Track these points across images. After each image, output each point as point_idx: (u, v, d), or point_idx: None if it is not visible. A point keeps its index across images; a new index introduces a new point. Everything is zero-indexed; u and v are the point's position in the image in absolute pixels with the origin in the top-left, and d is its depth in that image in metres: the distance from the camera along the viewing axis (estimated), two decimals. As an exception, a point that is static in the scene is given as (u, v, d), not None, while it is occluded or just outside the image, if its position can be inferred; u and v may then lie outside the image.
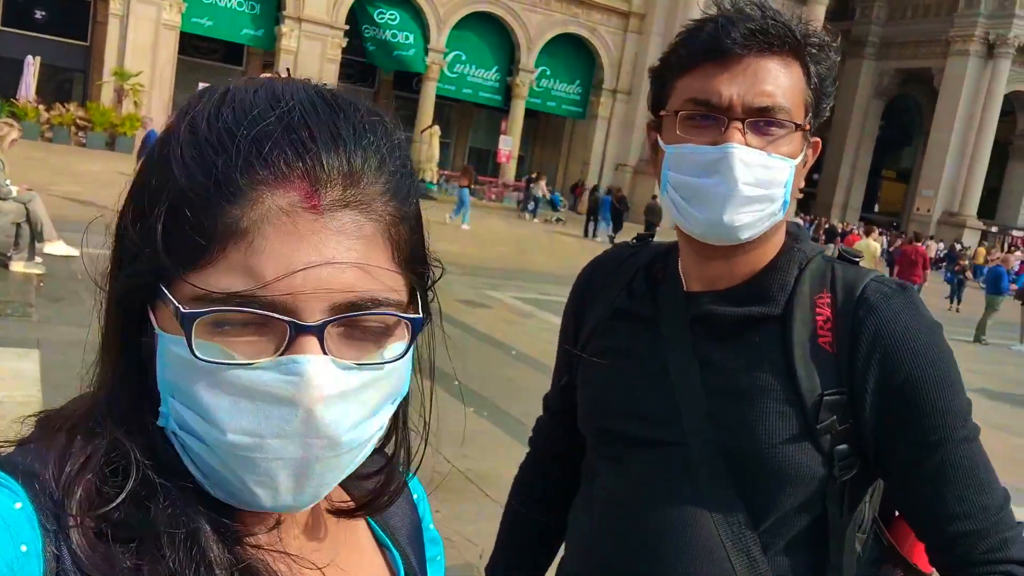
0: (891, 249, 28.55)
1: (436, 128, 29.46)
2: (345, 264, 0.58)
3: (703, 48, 1.17)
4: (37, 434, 0.63)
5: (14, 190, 8.33)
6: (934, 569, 1.25)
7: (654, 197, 28.54)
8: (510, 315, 10.85)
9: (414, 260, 0.65)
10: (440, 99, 33.26)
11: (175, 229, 0.57)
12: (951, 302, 22.21)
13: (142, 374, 0.62)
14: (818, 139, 1.26)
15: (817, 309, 1.19)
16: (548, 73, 35.30)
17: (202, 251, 0.57)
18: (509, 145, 33.68)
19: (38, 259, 8.47)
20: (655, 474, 1.22)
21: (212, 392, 0.57)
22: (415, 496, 0.85)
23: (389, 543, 0.78)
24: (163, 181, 0.59)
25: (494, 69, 34.67)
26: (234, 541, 0.61)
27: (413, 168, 0.65)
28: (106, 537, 0.56)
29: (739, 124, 1.15)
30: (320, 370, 0.57)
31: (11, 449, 0.62)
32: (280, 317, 0.57)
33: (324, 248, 0.57)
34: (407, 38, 32.31)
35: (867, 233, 19.78)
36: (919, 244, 19.32)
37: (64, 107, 25.43)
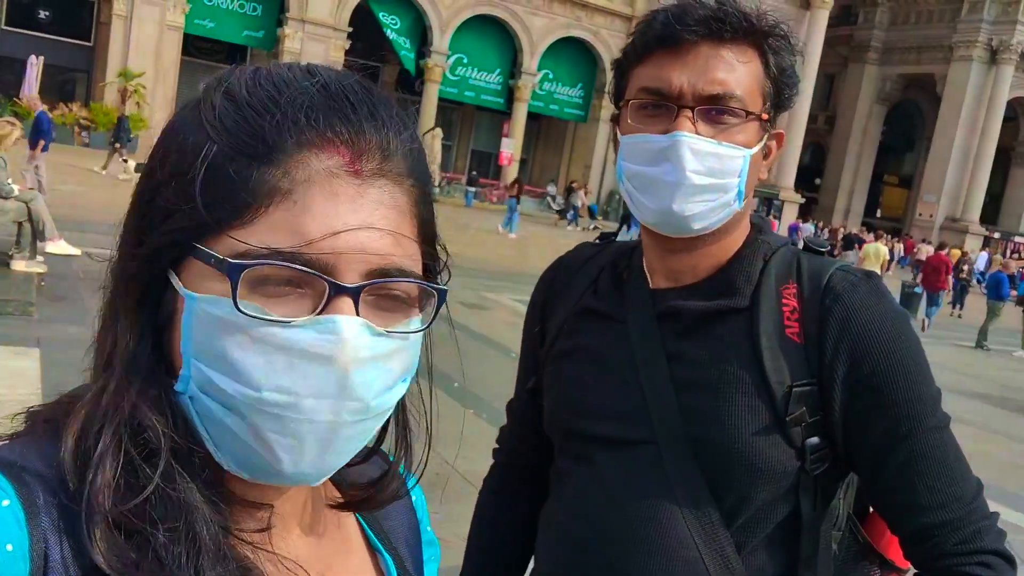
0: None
1: (438, 130, 29.47)
2: (382, 231, 0.60)
3: (656, 36, 1.16)
4: (27, 429, 0.62)
5: (16, 189, 8.35)
6: (910, 564, 1.23)
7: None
8: (509, 317, 10.84)
9: (429, 242, 0.67)
10: (442, 101, 33.29)
11: (215, 187, 0.58)
12: (953, 308, 22.23)
13: (157, 343, 0.62)
14: (781, 131, 1.24)
15: (783, 300, 1.18)
16: (551, 76, 35.34)
17: (246, 208, 0.58)
18: (511, 148, 33.69)
19: (40, 258, 8.46)
20: (625, 474, 1.20)
21: (245, 350, 0.57)
22: (413, 498, 0.84)
23: (381, 547, 0.77)
24: (199, 144, 0.59)
25: (496, 72, 34.71)
26: (225, 534, 0.60)
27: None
28: (116, 527, 0.56)
29: (689, 112, 1.13)
30: (355, 331, 0.58)
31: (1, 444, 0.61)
32: (321, 276, 0.58)
33: (363, 213, 0.59)
34: (405, 43, 32.37)
35: (877, 238, 20.44)
36: (943, 252, 20.59)
37: (67, 107, 25.47)
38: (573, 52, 35.49)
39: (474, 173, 33.18)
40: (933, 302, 18.51)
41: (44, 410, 0.63)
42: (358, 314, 0.59)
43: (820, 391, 1.14)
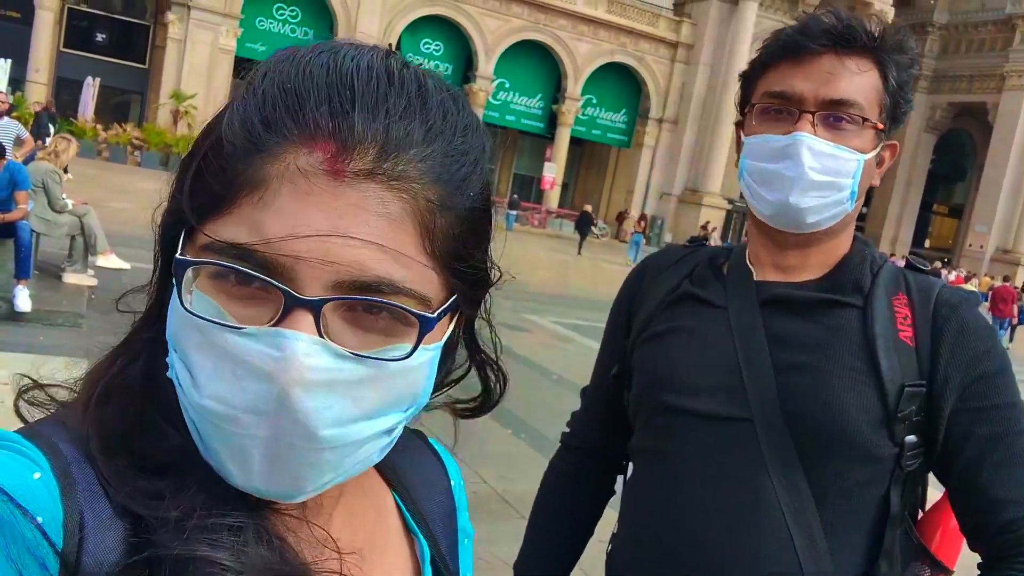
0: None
1: (481, 154, 29.65)
2: (358, 240, 0.53)
3: (781, 47, 1.27)
4: (81, 395, 0.62)
5: (70, 203, 8.55)
6: (974, 558, 1.29)
7: (704, 226, 28.30)
8: (550, 339, 10.81)
9: (455, 257, 0.58)
10: (486, 125, 33.25)
11: (203, 178, 0.55)
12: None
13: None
14: (895, 142, 1.32)
15: (895, 307, 1.26)
16: (594, 101, 35.48)
17: (219, 200, 0.54)
18: (553, 172, 33.81)
19: (91, 271, 8.65)
20: (718, 449, 1.25)
21: (200, 351, 0.54)
22: (452, 483, 0.82)
23: (417, 530, 0.75)
24: (209, 133, 0.58)
25: (538, 97, 34.95)
26: (260, 510, 0.58)
27: (482, 162, 0.60)
28: (133, 471, 0.56)
29: (810, 116, 1.23)
30: (306, 350, 0.52)
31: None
32: (273, 283, 0.52)
33: (338, 219, 0.52)
34: (446, 69, 32.75)
35: (967, 279, 22.67)
36: (1008, 284, 23.33)
37: (121, 127, 26.17)
38: (617, 77, 35.61)
39: (515, 196, 33.29)
40: (1001, 327, 20.61)
41: (93, 372, 0.64)
42: (319, 331, 0.52)
43: (928, 393, 1.22)
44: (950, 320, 1.24)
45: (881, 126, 1.26)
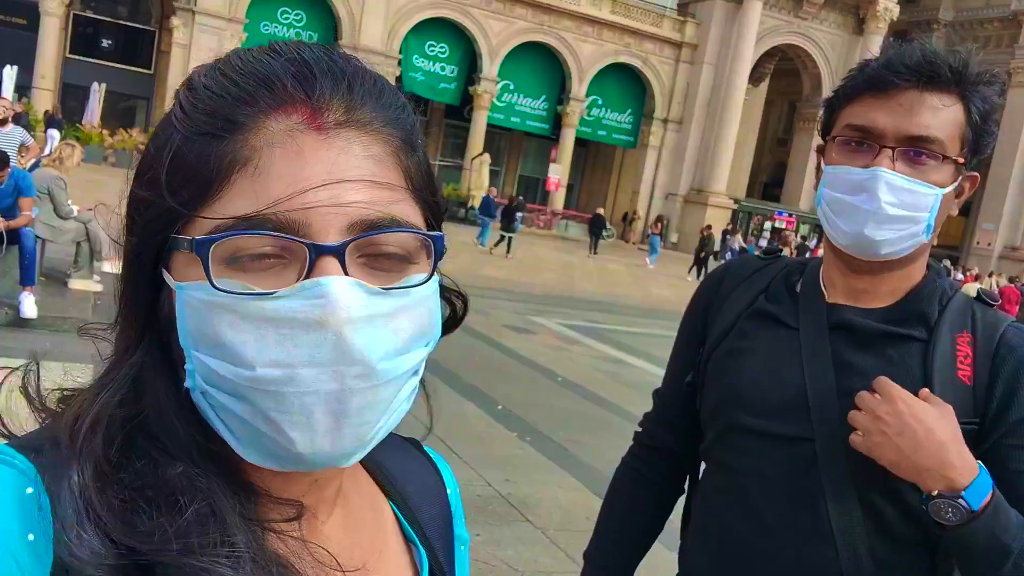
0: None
1: (486, 156, 29.73)
2: (357, 182, 0.57)
3: (865, 80, 1.29)
4: (68, 427, 0.60)
5: (75, 209, 8.58)
6: None
7: (708, 227, 28.33)
8: (555, 341, 10.79)
9: (428, 191, 0.64)
10: (491, 127, 33.59)
11: (179, 172, 0.57)
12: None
13: (162, 343, 0.60)
14: (976, 174, 1.34)
15: (958, 345, 1.29)
16: (599, 102, 35.47)
17: (208, 185, 0.56)
18: (558, 173, 33.80)
19: (96, 277, 8.69)
20: (781, 470, 1.30)
21: (236, 329, 0.55)
22: (448, 490, 0.83)
23: (415, 539, 0.75)
24: (165, 137, 0.59)
25: (542, 98, 34.95)
26: (255, 523, 0.58)
27: (414, 117, 0.65)
28: (128, 504, 0.55)
29: (889, 152, 1.25)
30: (346, 291, 0.55)
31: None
32: (297, 239, 0.55)
33: (333, 167, 0.56)
34: (452, 72, 32.80)
35: (978, 278, 22.68)
36: (1013, 285, 23.46)
37: (127, 133, 26.27)
38: (622, 78, 35.59)
39: (520, 198, 33.30)
40: None
41: (75, 394, 0.63)
42: (346, 274, 0.56)
43: (979, 431, 1.25)
44: (1007, 361, 1.27)
45: (962, 160, 1.28)
